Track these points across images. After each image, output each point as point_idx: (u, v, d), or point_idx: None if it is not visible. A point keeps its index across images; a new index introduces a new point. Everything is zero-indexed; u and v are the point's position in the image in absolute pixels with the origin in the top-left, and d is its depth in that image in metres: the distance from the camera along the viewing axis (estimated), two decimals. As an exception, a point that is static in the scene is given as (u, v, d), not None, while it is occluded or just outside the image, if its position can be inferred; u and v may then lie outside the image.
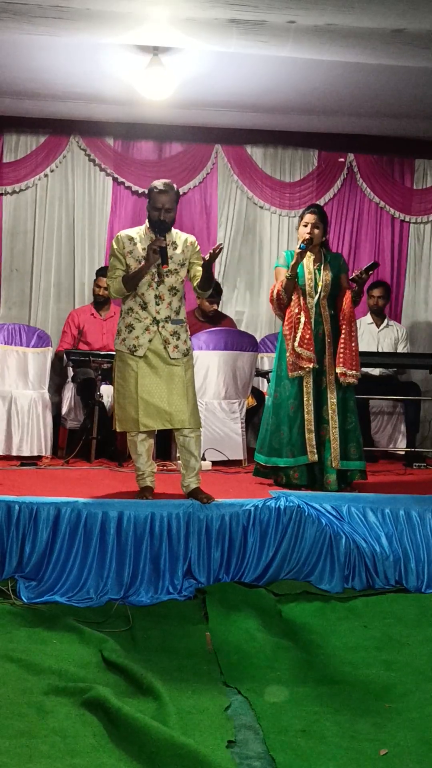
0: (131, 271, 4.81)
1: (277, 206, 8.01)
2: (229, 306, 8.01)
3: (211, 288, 5.03)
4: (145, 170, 7.65)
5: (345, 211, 8.14)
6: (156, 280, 4.81)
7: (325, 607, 4.54)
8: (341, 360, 5.40)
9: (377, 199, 8.10)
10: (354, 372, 5.43)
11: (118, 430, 4.96)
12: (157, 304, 4.82)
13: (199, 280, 4.88)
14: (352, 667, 3.84)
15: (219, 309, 7.54)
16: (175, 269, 4.85)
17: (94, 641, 3.96)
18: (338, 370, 5.40)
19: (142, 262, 4.79)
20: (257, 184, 7.97)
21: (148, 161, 7.86)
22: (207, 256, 4.73)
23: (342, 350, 5.42)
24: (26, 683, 3.47)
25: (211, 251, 4.69)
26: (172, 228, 4.92)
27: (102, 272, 7.26)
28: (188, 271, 4.91)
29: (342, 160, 8.01)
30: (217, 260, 7.99)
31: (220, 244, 4.80)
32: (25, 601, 4.38)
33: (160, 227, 4.77)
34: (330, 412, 5.44)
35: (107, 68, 6.33)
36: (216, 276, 7.85)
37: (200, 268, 4.88)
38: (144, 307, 4.82)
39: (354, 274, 5.43)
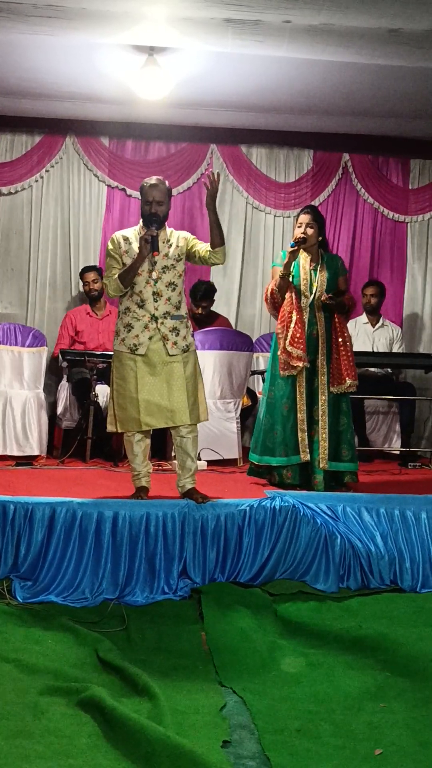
0: None
1: (273, 206, 8.01)
2: (224, 305, 8.01)
3: (223, 240, 4.86)
4: (141, 170, 7.65)
5: (340, 212, 8.15)
6: (153, 277, 4.81)
7: (320, 606, 4.54)
8: (343, 375, 5.42)
9: (372, 200, 8.11)
10: (348, 382, 5.44)
11: (120, 431, 4.94)
12: (155, 301, 4.81)
13: (207, 245, 4.84)
14: (347, 666, 3.84)
15: (213, 308, 7.54)
16: (172, 264, 4.85)
17: (89, 641, 3.96)
18: (347, 386, 5.43)
19: None
20: (253, 184, 7.98)
21: (144, 161, 7.86)
22: (207, 192, 4.74)
23: (344, 363, 5.44)
24: (21, 683, 3.46)
25: (209, 185, 4.71)
26: (167, 227, 4.92)
27: (88, 269, 7.31)
28: (193, 256, 4.88)
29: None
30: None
31: (215, 172, 4.78)
32: (21, 601, 4.37)
33: (152, 220, 4.77)
34: (320, 413, 5.44)
35: (103, 68, 6.33)
36: (210, 276, 7.86)
37: (204, 244, 4.86)
38: (141, 305, 4.82)
39: (326, 300, 5.45)
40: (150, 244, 4.71)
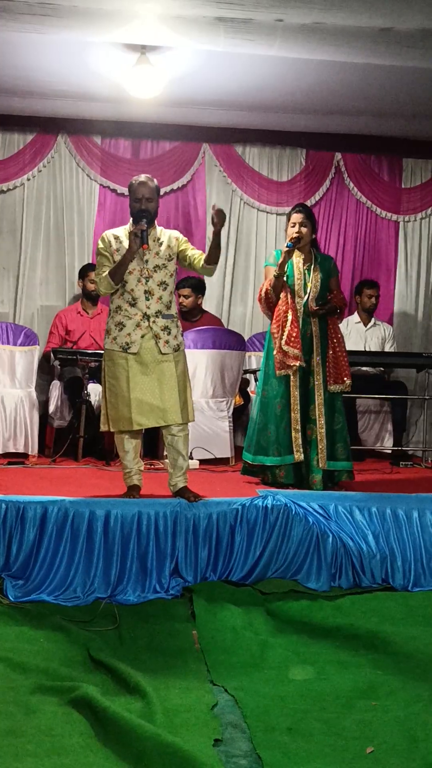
0: None
1: (266, 204, 8.01)
2: (216, 304, 8.01)
3: (217, 261, 4.91)
4: (133, 168, 7.63)
5: (333, 211, 8.15)
6: (144, 275, 4.81)
7: (312, 605, 4.54)
8: (342, 375, 5.45)
9: (365, 199, 8.12)
10: (347, 382, 5.47)
11: (111, 430, 4.94)
12: (147, 299, 4.81)
13: (204, 257, 4.85)
14: (339, 665, 3.84)
15: (203, 307, 7.55)
16: (163, 264, 4.85)
17: (81, 640, 3.96)
18: (344, 385, 5.47)
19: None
20: (246, 182, 7.98)
21: (136, 160, 7.85)
22: (213, 223, 4.70)
23: (333, 366, 5.46)
24: (13, 682, 3.46)
25: (214, 218, 4.68)
26: (158, 226, 4.93)
27: (92, 267, 7.25)
28: (183, 259, 4.90)
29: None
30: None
31: (217, 207, 4.76)
32: (12, 600, 4.37)
33: (142, 215, 4.78)
34: (317, 412, 5.45)
35: (95, 66, 6.32)
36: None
37: (198, 251, 4.89)
38: (133, 303, 4.82)
39: (316, 310, 5.46)
40: (139, 238, 4.72)
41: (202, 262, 4.85)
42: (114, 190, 7.79)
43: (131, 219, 4.88)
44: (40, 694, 3.37)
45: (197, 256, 4.87)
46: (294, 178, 8.05)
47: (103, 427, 4.99)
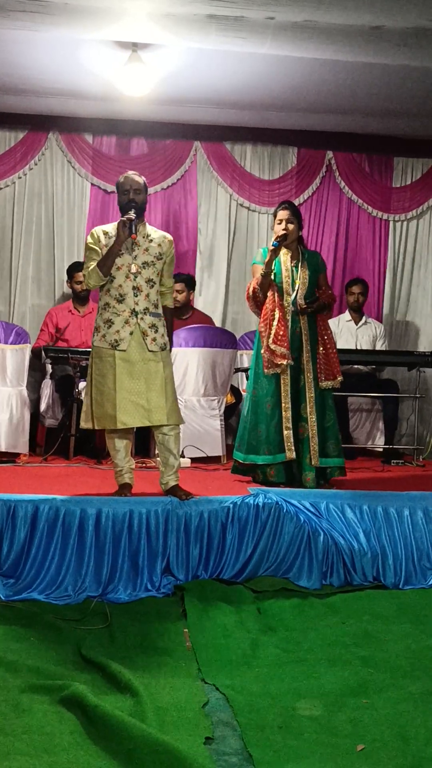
0: None
1: (257, 203, 8.02)
2: (207, 302, 8.02)
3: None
4: (124, 166, 7.62)
5: (324, 209, 8.17)
6: (132, 271, 4.80)
7: (303, 603, 4.54)
8: (333, 371, 5.46)
9: (355, 197, 8.13)
10: (339, 379, 5.47)
11: (96, 427, 4.93)
12: (135, 296, 4.81)
13: (170, 284, 5.02)
14: (330, 663, 3.84)
15: (193, 304, 7.55)
16: (152, 261, 4.85)
17: (71, 639, 3.95)
18: (336, 381, 5.49)
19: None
20: (236, 181, 7.98)
21: (127, 157, 7.85)
22: None
23: (324, 363, 5.46)
24: (3, 681, 3.44)
25: None
26: (148, 224, 4.92)
27: (78, 268, 7.24)
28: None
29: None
30: (197, 255, 8.01)
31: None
32: (3, 598, 4.35)
33: (130, 206, 4.78)
34: (308, 410, 5.45)
35: (86, 64, 6.32)
36: (195, 272, 7.87)
37: (170, 281, 5.01)
38: (121, 300, 4.81)
39: (305, 308, 5.47)
40: (128, 228, 4.71)
41: (166, 292, 4.99)
42: (104, 189, 7.79)
43: (121, 215, 4.88)
44: (30, 693, 3.36)
45: (166, 286, 4.97)
46: (284, 176, 8.06)
47: (85, 425, 4.95)
